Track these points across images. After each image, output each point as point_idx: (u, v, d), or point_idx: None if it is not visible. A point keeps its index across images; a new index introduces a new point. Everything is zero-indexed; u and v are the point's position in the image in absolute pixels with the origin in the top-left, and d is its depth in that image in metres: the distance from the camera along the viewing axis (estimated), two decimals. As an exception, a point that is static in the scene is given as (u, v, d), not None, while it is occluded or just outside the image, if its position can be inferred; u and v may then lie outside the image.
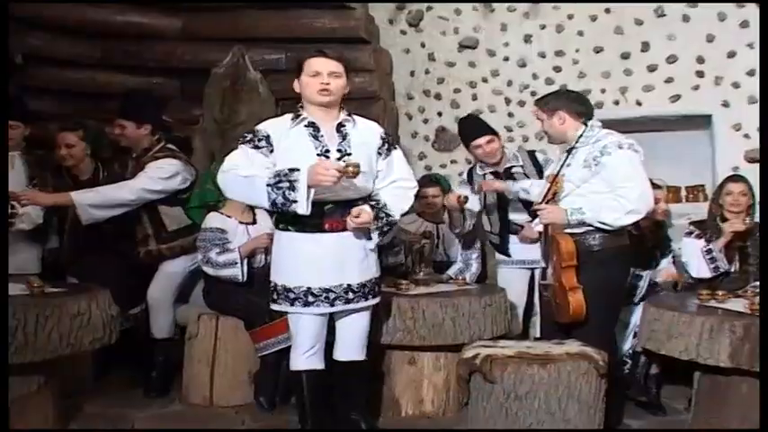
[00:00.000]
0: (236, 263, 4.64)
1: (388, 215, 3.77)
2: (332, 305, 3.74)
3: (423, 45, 6.55)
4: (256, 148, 3.64)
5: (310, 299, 3.71)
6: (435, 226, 5.63)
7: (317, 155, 3.63)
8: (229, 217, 4.80)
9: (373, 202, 3.77)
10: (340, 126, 3.75)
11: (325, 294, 3.71)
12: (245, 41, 6.22)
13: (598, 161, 3.99)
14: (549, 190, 4.05)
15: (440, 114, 6.60)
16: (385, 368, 4.47)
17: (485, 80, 6.45)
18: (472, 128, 5.16)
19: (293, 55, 6.18)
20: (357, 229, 3.71)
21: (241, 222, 4.82)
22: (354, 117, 3.84)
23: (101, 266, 4.90)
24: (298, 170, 3.48)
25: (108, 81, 6.18)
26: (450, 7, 6.44)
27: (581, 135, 4.11)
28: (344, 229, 3.71)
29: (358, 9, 6.29)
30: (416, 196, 3.99)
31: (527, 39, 6.25)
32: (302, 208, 3.49)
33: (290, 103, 5.70)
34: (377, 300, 3.90)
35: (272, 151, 3.63)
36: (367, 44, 6.35)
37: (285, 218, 3.70)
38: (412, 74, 6.65)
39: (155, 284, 5.06)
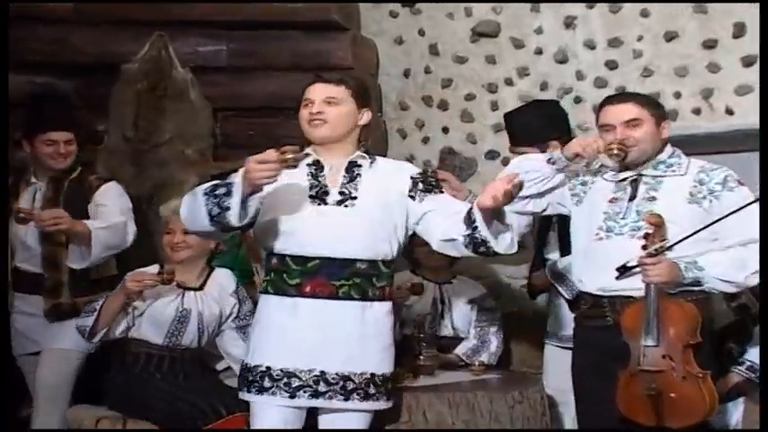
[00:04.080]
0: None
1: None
2: (292, 396, 3.68)
3: (421, 33, 6.31)
4: None
5: (267, 383, 3.70)
6: (438, 287, 5.41)
7: (311, 196, 3.78)
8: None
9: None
10: (351, 165, 3.86)
11: (286, 379, 3.69)
12: (168, 26, 5.99)
13: (718, 197, 3.89)
14: (652, 235, 3.82)
15: (446, 131, 6.30)
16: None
17: (509, 82, 6.14)
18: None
19: (237, 47, 6.18)
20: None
21: (179, 285, 4.65)
22: (377, 157, 3.92)
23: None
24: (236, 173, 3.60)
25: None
26: (461, -21, 6.14)
27: (667, 159, 4.05)
28: (332, 296, 3.74)
29: (331, -18, 6.00)
30: (415, 245, 4.35)
31: (568, 22, 5.98)
32: (234, 216, 3.52)
33: (231, 115, 6.21)
34: (369, 405, 3.77)
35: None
36: (343, 32, 6.13)
37: (268, 277, 3.85)
38: (407, 73, 6.40)
39: (46, 365, 4.88)
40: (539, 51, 6.13)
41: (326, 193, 3.80)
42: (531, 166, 4.07)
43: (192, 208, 3.65)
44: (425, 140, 6.43)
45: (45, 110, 5.30)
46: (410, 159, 6.25)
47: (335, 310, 3.75)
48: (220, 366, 4.79)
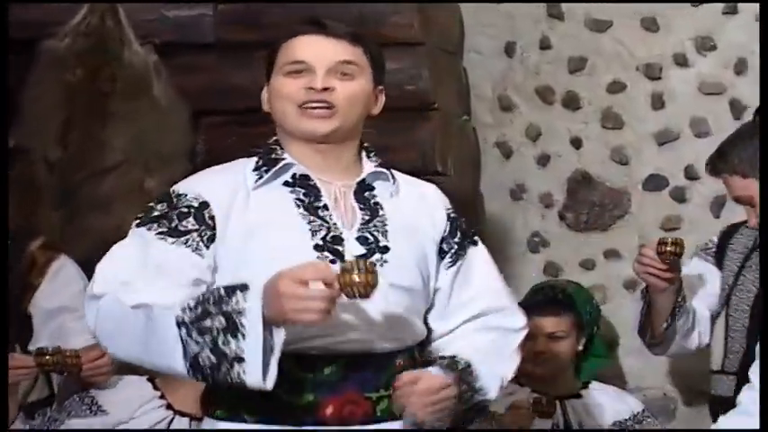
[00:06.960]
0: None
1: (475, 389, 3.13)
2: None
3: (532, -15, 5.44)
4: (175, 235, 3.06)
5: None
6: (559, 404, 4.86)
7: (315, 247, 3.09)
8: (156, 390, 4.38)
9: (445, 359, 3.21)
10: (364, 186, 3.24)
11: None
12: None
13: None
14: None
15: (577, 144, 5.46)
16: None
17: (680, 61, 5.35)
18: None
19: (231, 11, 5.61)
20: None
21: (178, 411, 4.35)
22: (393, 172, 3.33)
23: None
24: (245, 287, 2.80)
25: None
26: None
27: None
28: (368, 418, 3.11)
29: None
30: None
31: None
32: (255, 374, 2.79)
33: (221, 121, 5.68)
34: None
35: (212, 240, 3.07)
36: (407, -10, 5.47)
37: (227, 393, 3.13)
38: (509, 50, 5.55)
39: None
40: (731, 10, 5.30)
41: (339, 239, 3.12)
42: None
43: (143, 345, 2.93)
44: (543, 160, 5.55)
45: None
46: (518, 193, 5.59)
47: None
48: None
